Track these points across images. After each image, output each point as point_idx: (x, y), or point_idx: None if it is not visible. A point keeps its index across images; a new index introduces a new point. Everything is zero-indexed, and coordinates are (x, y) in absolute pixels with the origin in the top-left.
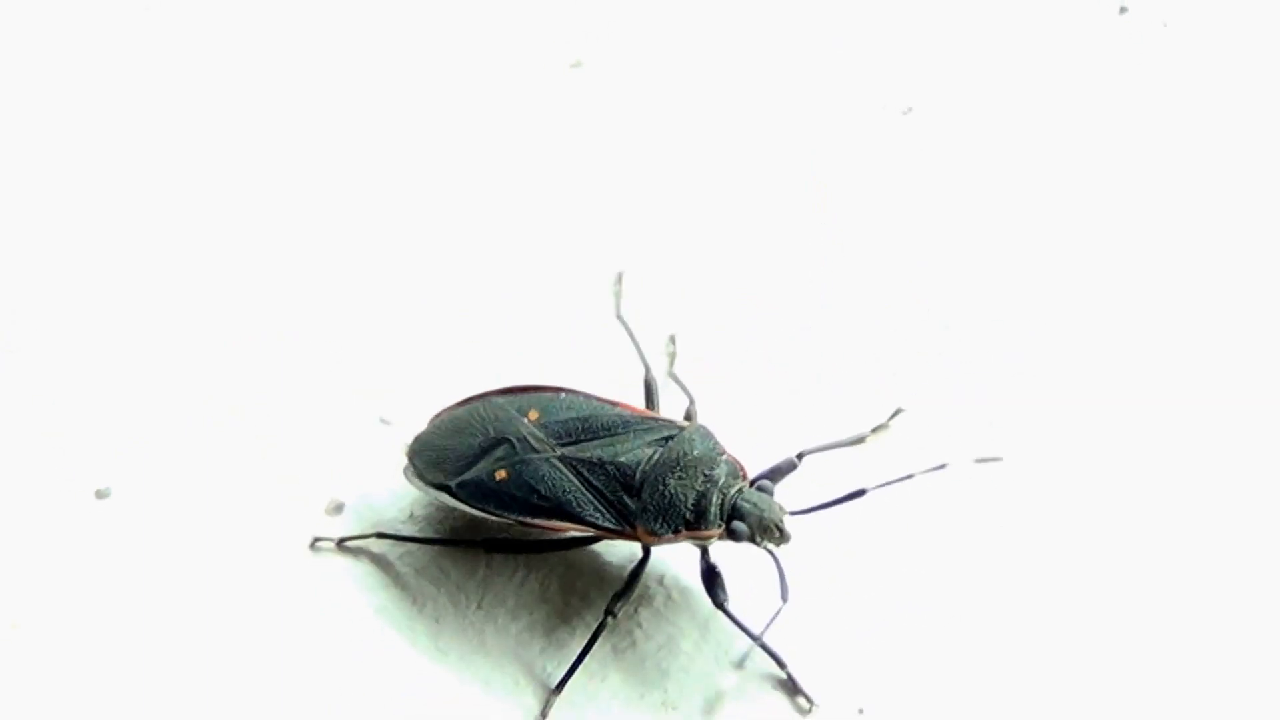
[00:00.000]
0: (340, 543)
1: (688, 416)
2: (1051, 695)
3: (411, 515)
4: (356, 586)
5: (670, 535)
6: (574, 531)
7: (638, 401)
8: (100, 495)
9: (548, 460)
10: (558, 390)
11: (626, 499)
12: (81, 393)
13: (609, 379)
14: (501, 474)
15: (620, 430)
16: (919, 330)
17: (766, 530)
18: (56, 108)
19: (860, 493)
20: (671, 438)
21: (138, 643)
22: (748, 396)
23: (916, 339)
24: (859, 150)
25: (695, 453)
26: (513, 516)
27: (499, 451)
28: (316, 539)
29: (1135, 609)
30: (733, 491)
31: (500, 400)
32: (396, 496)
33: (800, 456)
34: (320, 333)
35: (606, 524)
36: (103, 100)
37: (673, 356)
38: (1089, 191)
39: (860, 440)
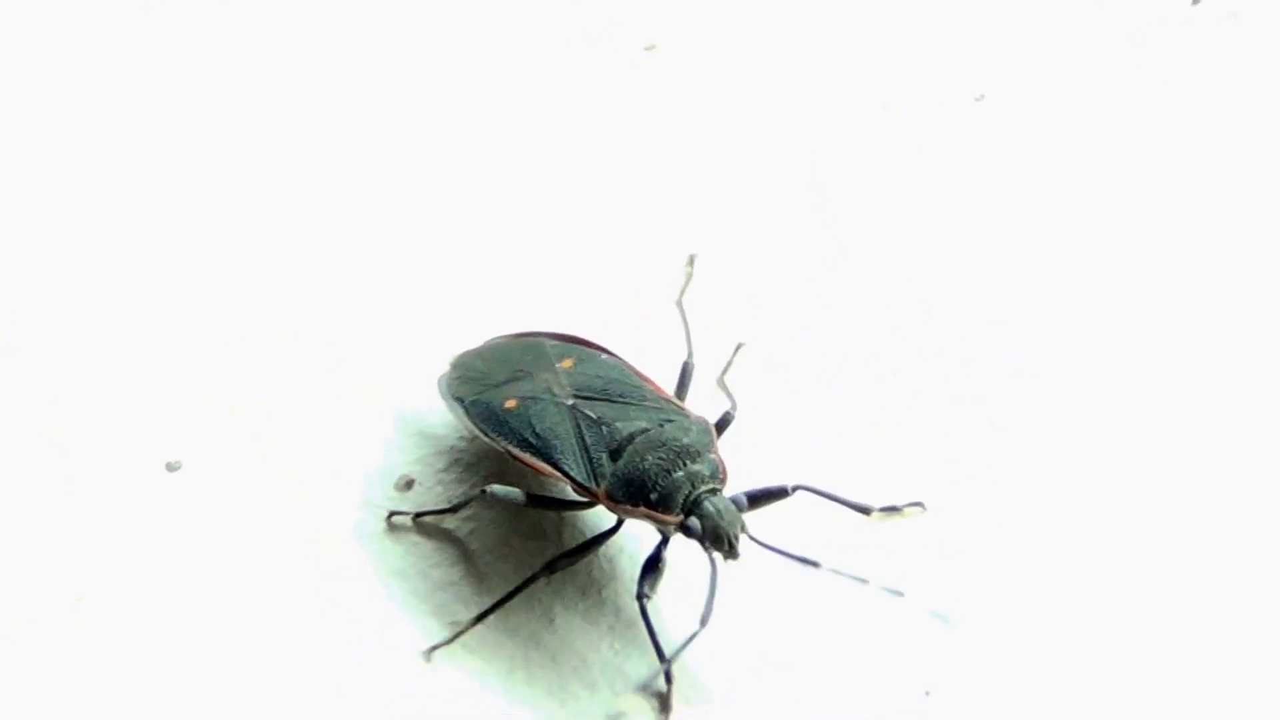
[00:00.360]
0: (415, 517)
1: (723, 423)
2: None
3: (413, 516)
4: (357, 586)
5: (629, 507)
6: (552, 477)
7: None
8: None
9: (557, 404)
10: (602, 350)
11: (605, 460)
12: (81, 393)
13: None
14: (511, 403)
15: (633, 401)
16: (919, 330)
17: (718, 539)
18: (56, 108)
19: (814, 564)
20: (672, 421)
21: (136, 642)
22: (748, 396)
23: (916, 339)
24: (859, 150)
25: (685, 440)
26: (504, 445)
27: (521, 385)
28: (392, 513)
29: (1136, 606)
30: (704, 489)
31: (547, 342)
32: (398, 495)
33: (794, 489)
34: (320, 333)
35: (577, 476)
36: (103, 100)
37: (728, 365)
38: (1088, 191)
39: (865, 512)
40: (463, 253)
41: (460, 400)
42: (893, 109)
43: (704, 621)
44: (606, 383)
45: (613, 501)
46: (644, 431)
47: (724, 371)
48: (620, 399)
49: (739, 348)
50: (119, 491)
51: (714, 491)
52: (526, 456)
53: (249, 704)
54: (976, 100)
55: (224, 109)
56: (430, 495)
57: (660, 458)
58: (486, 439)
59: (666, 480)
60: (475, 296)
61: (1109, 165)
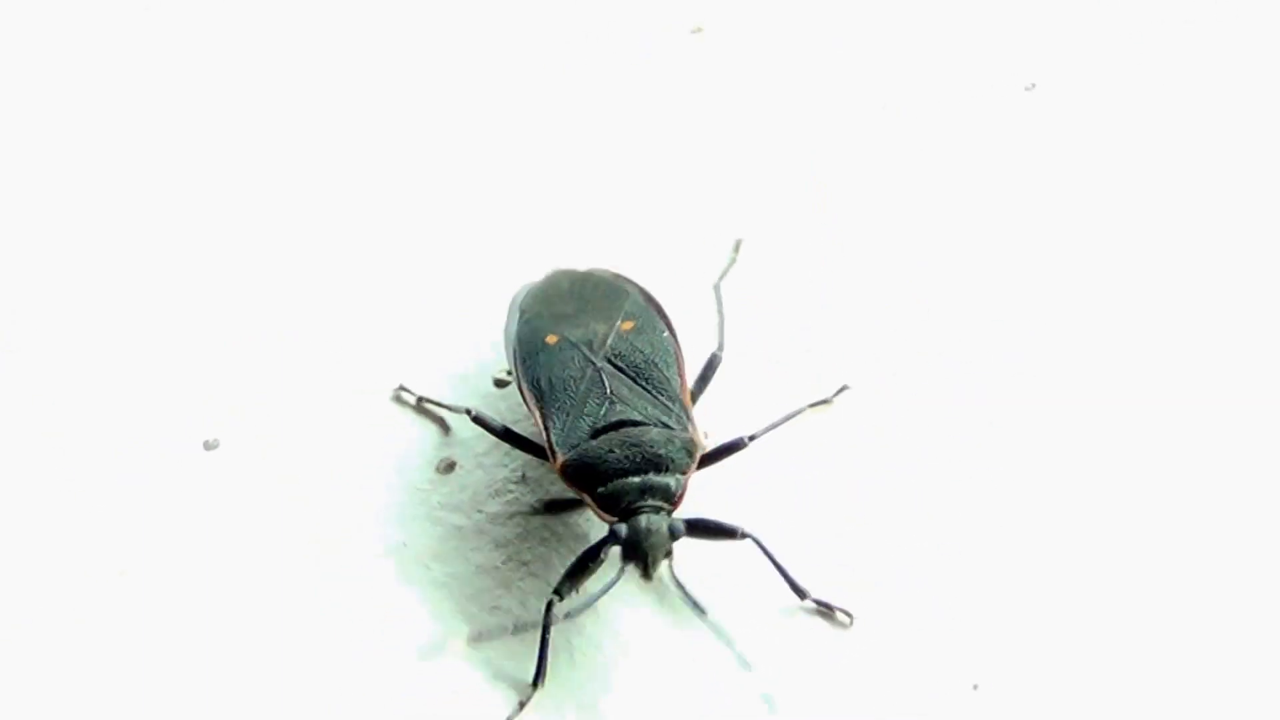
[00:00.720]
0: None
1: (711, 365)
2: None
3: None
4: (357, 586)
5: (578, 489)
6: (537, 427)
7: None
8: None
9: (586, 360)
10: (671, 332)
11: (585, 434)
12: (81, 393)
13: None
14: (552, 339)
15: (652, 391)
16: (919, 330)
17: (635, 554)
18: (57, 108)
19: (702, 611)
20: (667, 428)
21: (132, 646)
22: (748, 396)
23: (916, 339)
24: (858, 150)
25: (661, 451)
26: (520, 374)
27: (573, 326)
28: (401, 387)
29: (1137, 605)
30: (649, 503)
31: (631, 295)
32: (396, 496)
33: (743, 536)
34: (320, 333)
35: (554, 436)
36: (103, 100)
37: (726, 269)
38: (1088, 191)
39: (800, 595)
40: (463, 253)
41: (523, 311)
42: (893, 109)
43: (570, 615)
44: (645, 362)
45: (564, 474)
46: (633, 424)
47: (721, 277)
48: (643, 383)
49: (738, 244)
50: (118, 492)
51: (657, 510)
52: (527, 393)
53: (248, 704)
54: (978, 100)
55: (224, 109)
56: (471, 478)
57: (627, 456)
58: (509, 359)
59: (621, 481)
60: (475, 296)
61: (1109, 163)
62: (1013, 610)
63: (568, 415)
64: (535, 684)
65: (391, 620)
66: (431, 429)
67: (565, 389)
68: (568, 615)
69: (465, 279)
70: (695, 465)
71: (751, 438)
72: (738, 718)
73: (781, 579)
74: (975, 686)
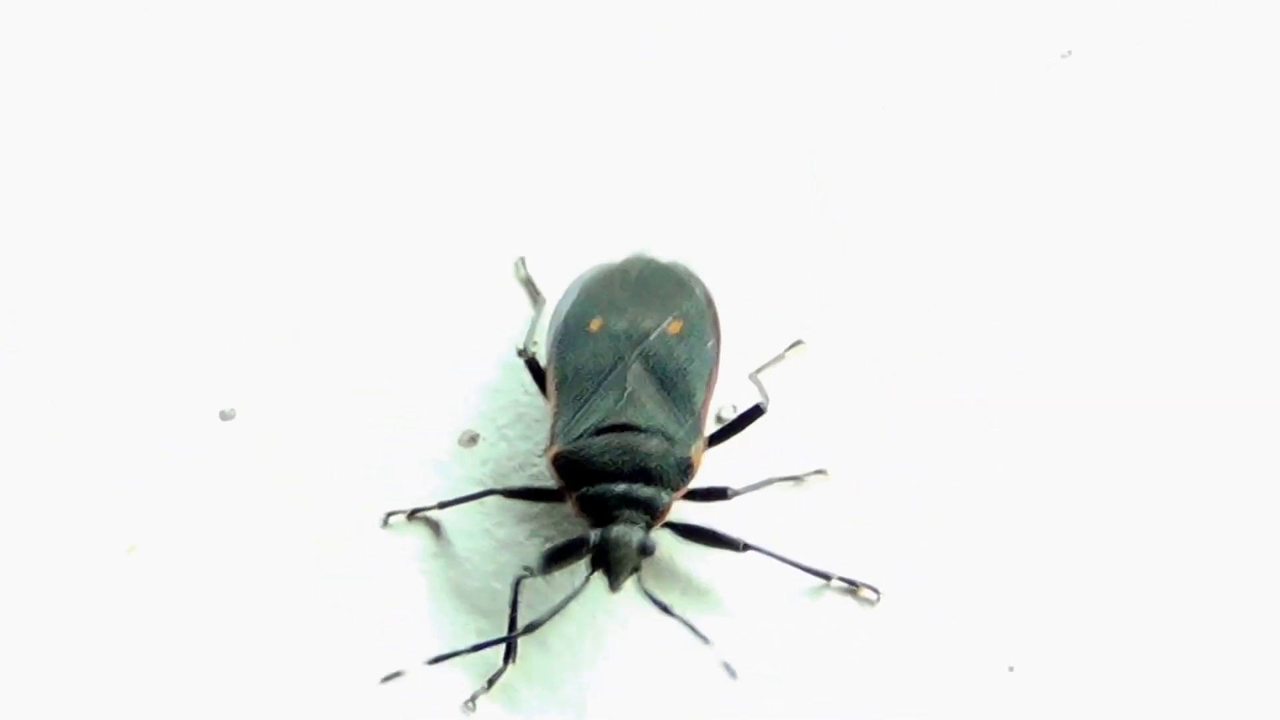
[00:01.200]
0: (411, 515)
1: (753, 413)
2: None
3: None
4: (357, 586)
5: (563, 483)
6: (549, 405)
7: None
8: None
9: (619, 355)
10: (718, 343)
11: (588, 427)
12: (81, 393)
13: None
14: (596, 324)
15: (671, 401)
16: (919, 330)
17: (601, 562)
18: (57, 108)
19: (665, 608)
20: (670, 441)
21: (133, 641)
22: (747, 396)
23: (916, 339)
24: (859, 150)
25: (653, 465)
26: (552, 353)
27: (620, 317)
28: (390, 514)
29: (1136, 605)
30: (625, 515)
31: (695, 295)
32: (397, 494)
33: (745, 548)
34: (320, 333)
35: (557, 422)
36: (103, 100)
37: (777, 359)
38: (1088, 191)
39: (825, 578)
40: (462, 252)
41: (582, 291)
42: (893, 109)
43: (532, 627)
44: (676, 369)
45: (554, 463)
46: (636, 430)
47: (761, 367)
48: (668, 389)
49: (795, 345)
50: (118, 492)
51: (633, 523)
52: (551, 370)
53: (249, 704)
54: (981, 100)
55: (224, 109)
56: (494, 451)
57: (618, 464)
58: (546, 333)
59: (606, 485)
60: (475, 296)
61: (1103, 165)
62: (1012, 610)
63: (580, 406)
64: (506, 661)
65: (391, 620)
66: (455, 401)
67: (589, 378)
68: (530, 627)
69: (465, 279)
70: (688, 484)
71: (735, 493)
72: (732, 704)
73: (801, 571)
74: (1011, 668)
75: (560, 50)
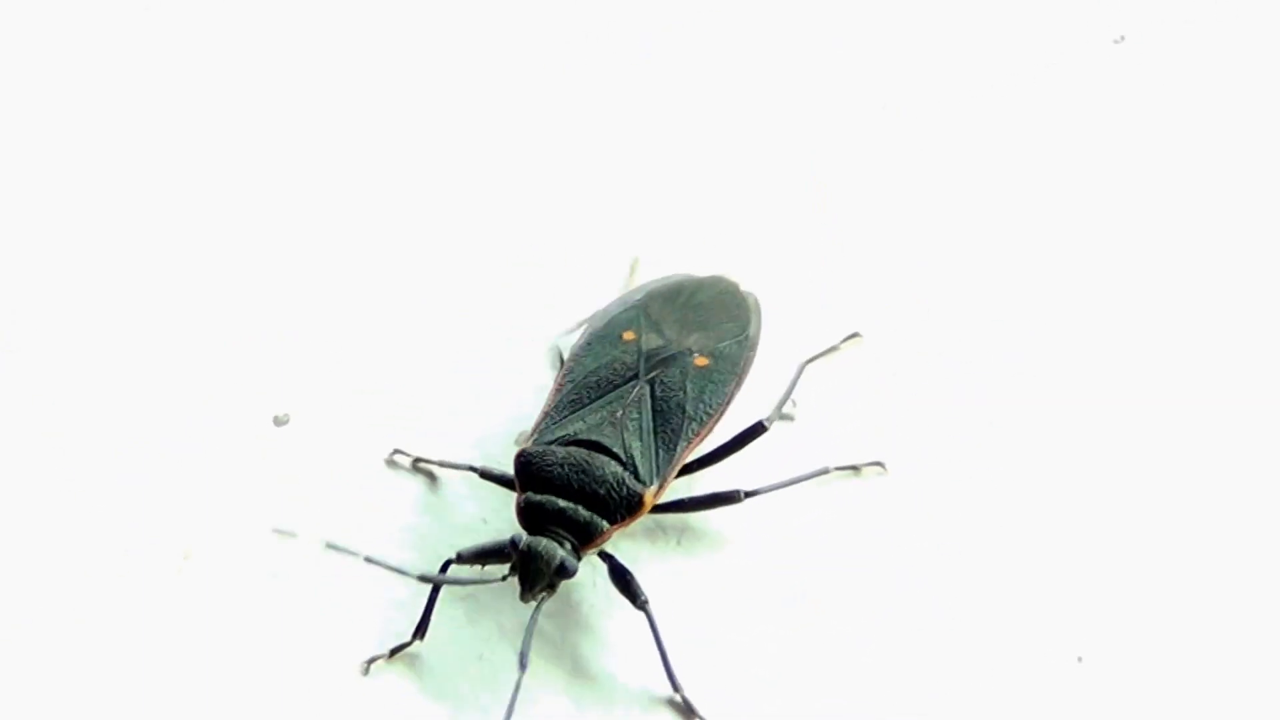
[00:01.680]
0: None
1: (754, 431)
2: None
3: (412, 512)
4: (357, 586)
5: (517, 482)
6: (552, 394)
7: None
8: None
9: (635, 373)
10: (738, 386)
11: (563, 434)
12: (81, 393)
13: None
14: (630, 336)
15: (657, 434)
16: (919, 329)
17: (521, 568)
18: (57, 108)
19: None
20: (633, 472)
21: (132, 641)
22: (748, 397)
23: (916, 339)
24: (860, 150)
25: (602, 490)
26: (577, 347)
27: (656, 335)
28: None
29: (1137, 604)
30: (558, 531)
31: (739, 340)
32: (396, 494)
33: (643, 604)
34: (320, 333)
35: (550, 413)
36: (103, 100)
37: (832, 350)
38: (1088, 191)
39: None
40: (462, 253)
41: (641, 299)
42: (892, 109)
43: (427, 578)
44: (678, 405)
45: (518, 457)
46: (602, 452)
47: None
48: (657, 424)
49: (851, 337)
50: (117, 492)
51: (562, 543)
52: (565, 372)
53: (250, 704)
54: (982, 100)
55: (224, 109)
56: (493, 450)
57: (569, 480)
58: (582, 332)
59: (549, 498)
60: (475, 296)
61: (1103, 166)
62: (1012, 609)
63: (572, 411)
64: (415, 637)
65: (392, 620)
66: (433, 431)
67: (595, 387)
68: (426, 578)
69: (465, 279)
70: (631, 519)
71: (748, 493)
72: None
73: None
74: (1080, 659)
75: (560, 50)
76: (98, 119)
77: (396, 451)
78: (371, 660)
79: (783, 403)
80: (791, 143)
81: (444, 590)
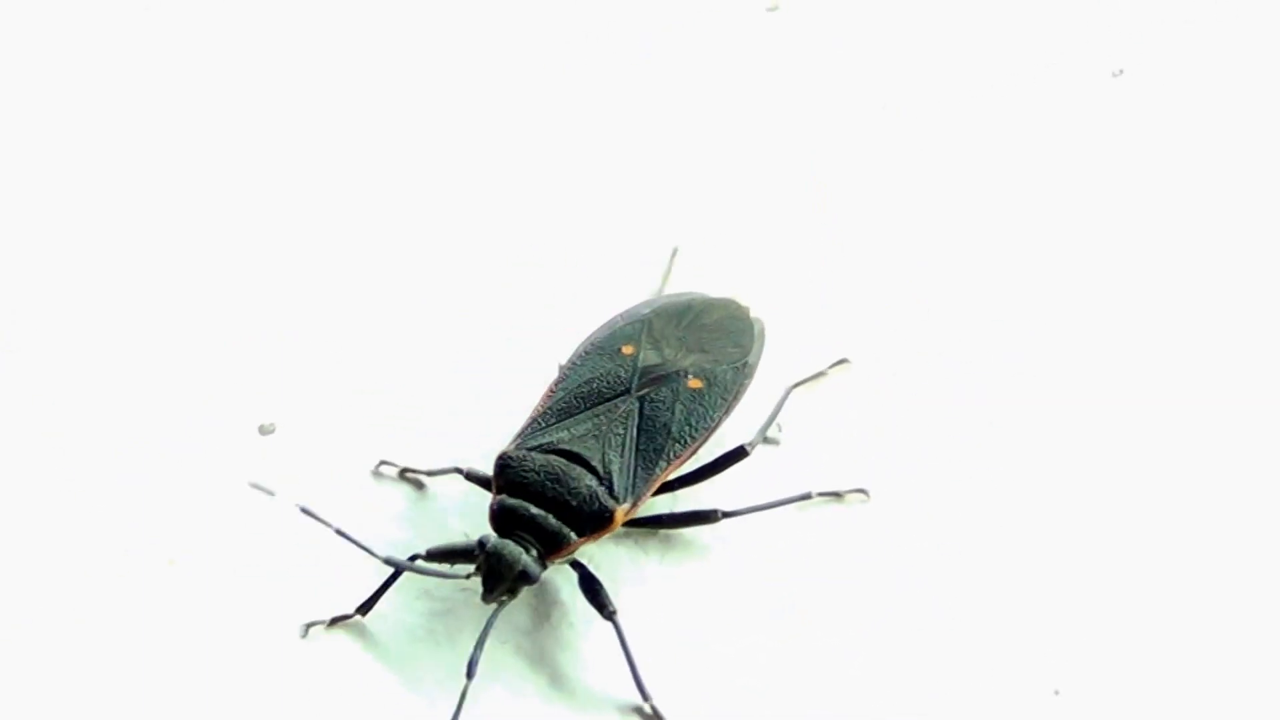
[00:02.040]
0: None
1: (735, 455)
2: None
3: (407, 511)
4: (358, 587)
5: (496, 482)
6: (543, 398)
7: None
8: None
9: (627, 388)
10: (728, 413)
11: (545, 440)
12: (81, 393)
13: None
14: (629, 350)
15: (639, 453)
16: (919, 330)
17: (485, 569)
18: (57, 108)
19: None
20: (609, 488)
21: (130, 640)
22: (747, 396)
23: (916, 339)
24: (859, 150)
25: (574, 502)
26: (577, 354)
27: (655, 351)
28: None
29: (1136, 604)
30: (526, 536)
31: (737, 369)
32: (396, 491)
33: (611, 615)
34: (320, 333)
35: (537, 418)
36: (103, 100)
37: (819, 376)
38: (1087, 191)
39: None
40: (462, 252)
41: (648, 314)
42: (893, 109)
43: (392, 563)
44: (663, 426)
45: (496, 465)
46: (580, 463)
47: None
48: (642, 440)
49: (840, 363)
50: (117, 492)
51: (529, 549)
52: (566, 369)
53: (252, 704)
54: (984, 100)
55: (224, 109)
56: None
57: (543, 488)
58: (586, 339)
59: (522, 503)
60: (475, 296)
61: (1102, 166)
62: (1012, 609)
63: (559, 419)
64: (358, 611)
65: (393, 621)
66: (433, 431)
67: (586, 397)
68: (390, 562)
69: (464, 279)
70: (599, 535)
71: (726, 514)
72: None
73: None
74: (1056, 692)
75: (560, 50)
76: (98, 119)
77: (383, 463)
78: (310, 625)
79: (766, 427)
80: (791, 143)
81: (416, 596)
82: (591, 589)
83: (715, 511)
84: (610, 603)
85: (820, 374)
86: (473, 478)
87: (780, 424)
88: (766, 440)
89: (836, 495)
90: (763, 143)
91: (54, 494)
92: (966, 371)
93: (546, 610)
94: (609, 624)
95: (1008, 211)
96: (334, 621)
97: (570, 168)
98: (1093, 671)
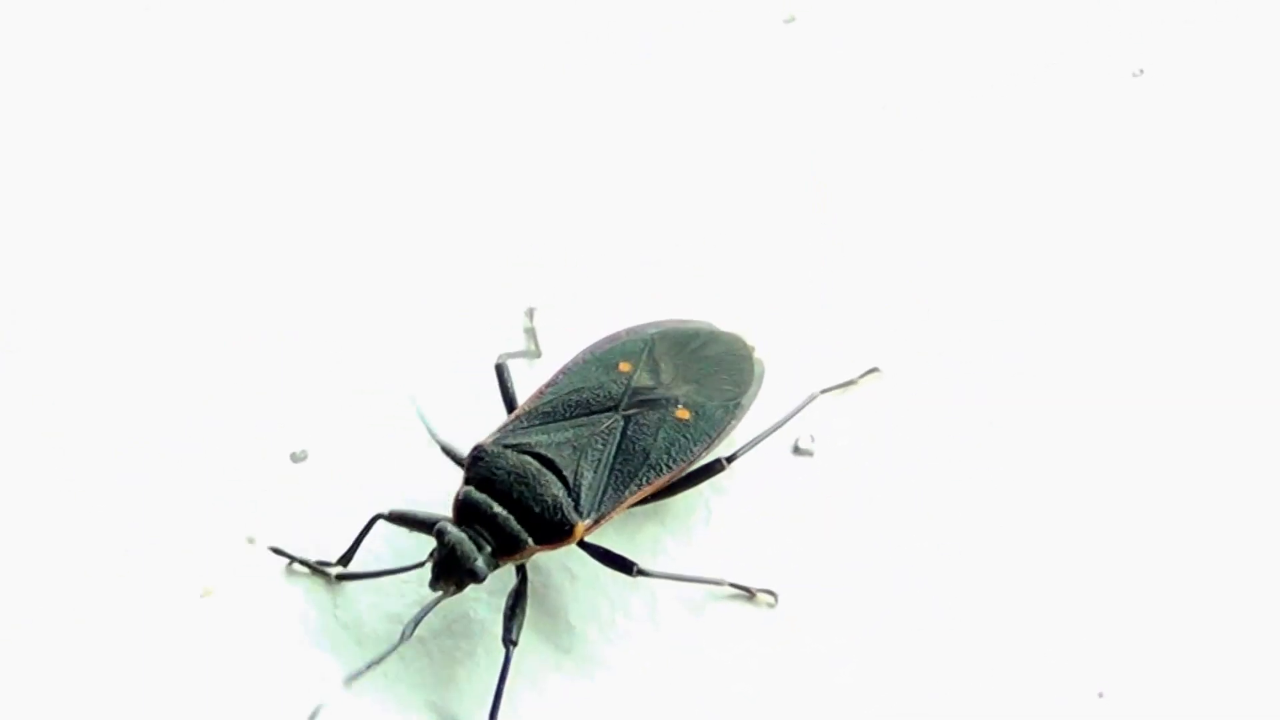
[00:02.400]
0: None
1: (712, 468)
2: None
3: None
4: (358, 588)
5: (464, 473)
6: (532, 397)
7: None
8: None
9: (615, 405)
10: (708, 448)
11: (521, 440)
12: (81, 393)
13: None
14: (625, 367)
15: (614, 473)
16: (919, 330)
17: (439, 557)
18: (57, 108)
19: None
20: (575, 500)
21: (129, 639)
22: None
23: (916, 339)
24: (859, 150)
25: (537, 509)
26: (575, 359)
27: (649, 377)
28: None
29: (1136, 604)
30: (481, 532)
31: (730, 407)
32: (397, 496)
33: (510, 645)
34: (320, 333)
35: (520, 415)
36: (103, 100)
37: (849, 384)
38: (1087, 191)
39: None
40: (462, 253)
41: (653, 335)
42: (892, 109)
43: (405, 633)
44: (643, 450)
45: (470, 455)
46: (551, 471)
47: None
48: (620, 460)
49: (870, 371)
50: (114, 493)
51: (481, 546)
52: (553, 379)
53: (253, 704)
54: (985, 100)
55: (224, 109)
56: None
57: (510, 487)
58: (590, 347)
59: (486, 499)
60: (475, 296)
61: (1101, 166)
62: (1013, 609)
63: (540, 420)
64: (339, 563)
65: (393, 622)
66: (318, 469)
67: (573, 405)
68: (337, 578)
69: (465, 279)
70: (550, 550)
71: (640, 571)
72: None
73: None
74: (1100, 694)
75: (560, 50)
76: (98, 119)
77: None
78: (292, 560)
79: (749, 447)
80: (791, 143)
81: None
82: (511, 611)
83: (632, 565)
84: (516, 635)
85: (799, 409)
86: (448, 452)
87: (814, 434)
88: (799, 451)
89: (748, 593)
90: (763, 143)
91: (54, 494)
92: (966, 371)
93: (447, 625)
94: (504, 651)
95: (1008, 212)
96: (315, 569)
97: (570, 168)
98: (1093, 671)
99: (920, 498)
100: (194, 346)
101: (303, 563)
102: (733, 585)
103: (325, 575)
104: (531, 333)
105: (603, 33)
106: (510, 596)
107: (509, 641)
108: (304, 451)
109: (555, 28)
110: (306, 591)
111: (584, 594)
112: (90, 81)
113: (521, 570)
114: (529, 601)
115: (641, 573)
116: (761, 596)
